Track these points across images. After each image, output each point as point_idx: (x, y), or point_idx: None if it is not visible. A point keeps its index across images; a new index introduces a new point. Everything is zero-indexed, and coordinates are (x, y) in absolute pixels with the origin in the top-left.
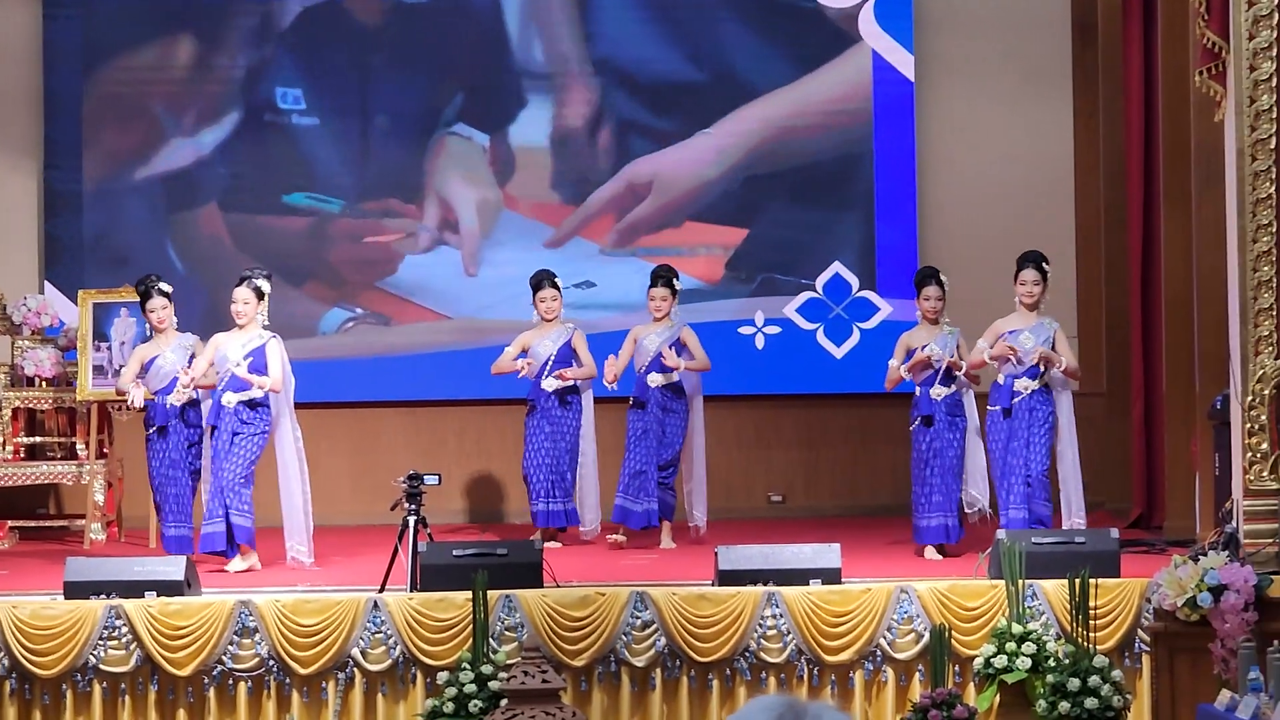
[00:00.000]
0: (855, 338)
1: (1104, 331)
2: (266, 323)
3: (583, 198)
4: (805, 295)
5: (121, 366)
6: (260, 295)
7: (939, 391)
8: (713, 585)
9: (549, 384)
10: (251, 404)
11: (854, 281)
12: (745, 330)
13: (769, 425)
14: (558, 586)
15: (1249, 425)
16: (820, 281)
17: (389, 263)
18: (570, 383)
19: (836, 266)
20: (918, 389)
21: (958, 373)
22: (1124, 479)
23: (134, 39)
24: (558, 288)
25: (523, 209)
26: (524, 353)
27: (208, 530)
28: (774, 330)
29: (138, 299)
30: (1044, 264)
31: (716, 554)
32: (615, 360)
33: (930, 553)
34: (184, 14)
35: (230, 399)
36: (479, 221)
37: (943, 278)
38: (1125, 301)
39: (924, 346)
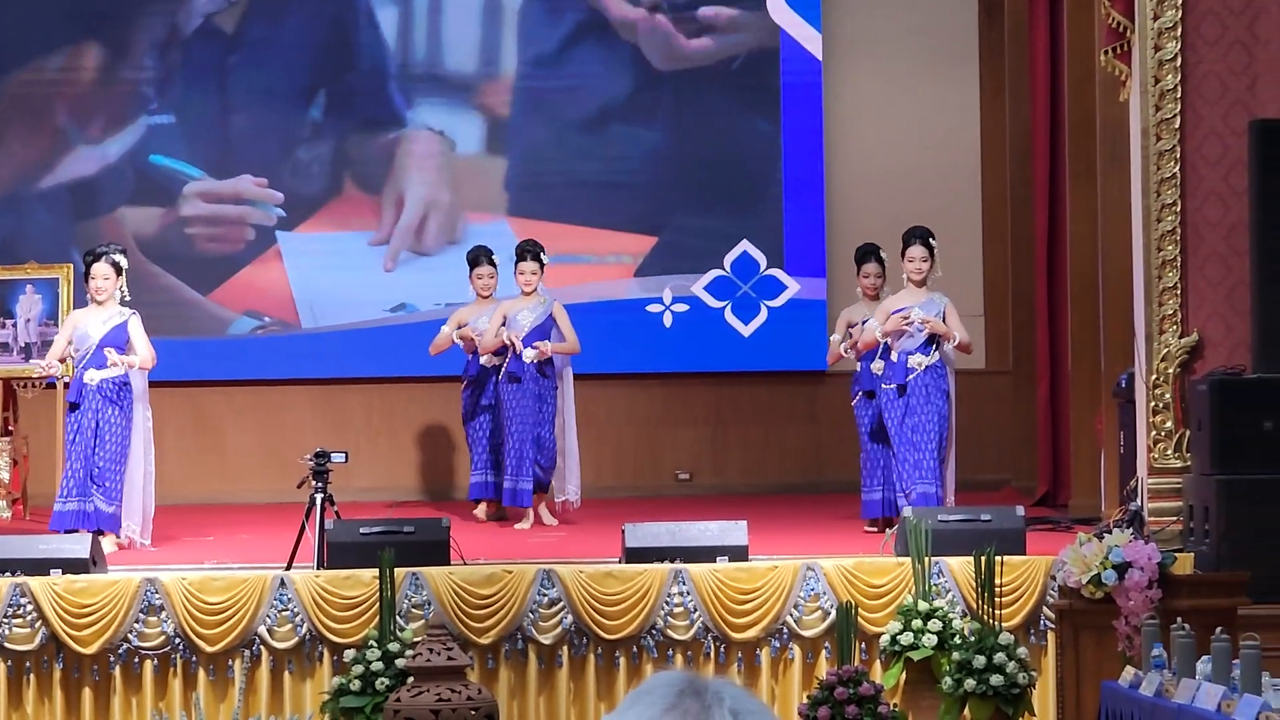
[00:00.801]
0: (763, 316)
1: (1010, 309)
2: (127, 298)
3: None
4: (713, 273)
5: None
6: (119, 270)
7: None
8: (620, 563)
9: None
10: (118, 382)
11: (761, 260)
12: (653, 308)
13: (677, 403)
14: (465, 564)
15: (1153, 403)
16: (728, 260)
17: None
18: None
19: (744, 245)
20: (860, 364)
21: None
22: (1029, 457)
23: (40, 46)
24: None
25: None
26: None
27: (64, 509)
28: (682, 308)
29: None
30: (930, 240)
31: (624, 532)
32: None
33: (870, 527)
34: (90, 21)
35: (93, 376)
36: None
37: (883, 254)
38: (1031, 279)
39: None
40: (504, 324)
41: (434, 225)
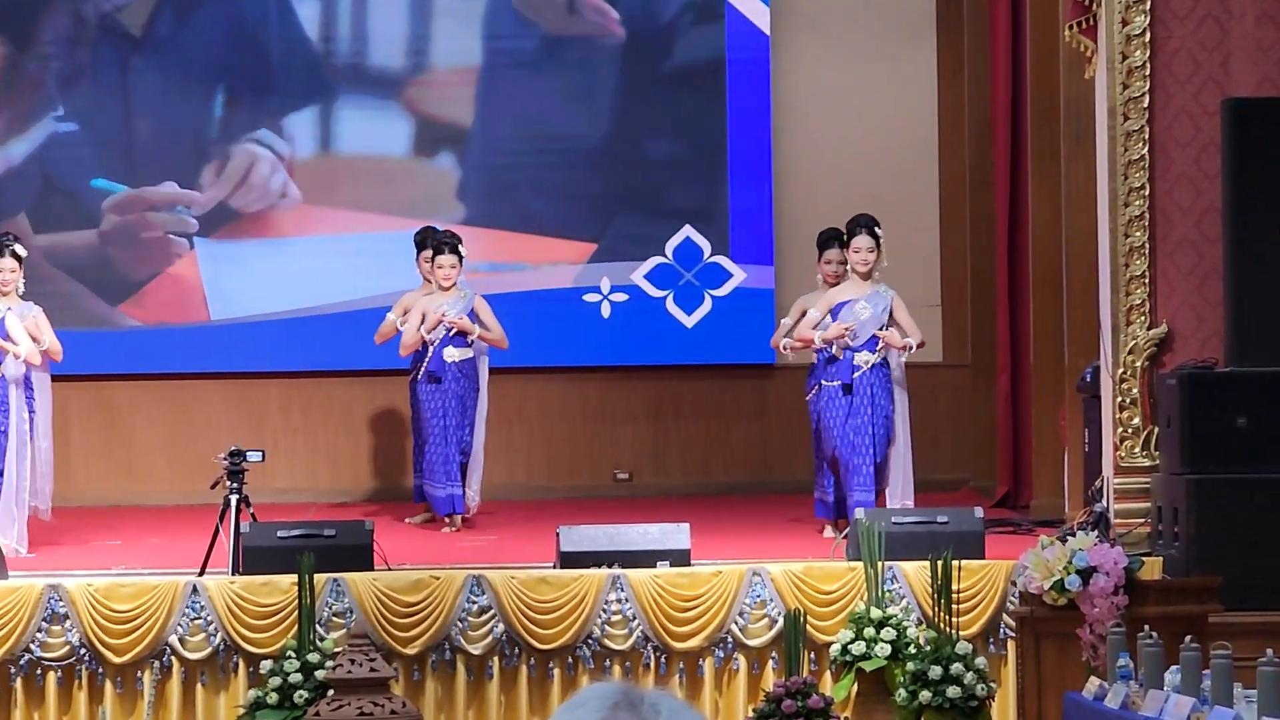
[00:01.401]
0: (707, 306)
1: (969, 298)
2: (23, 291)
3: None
4: (654, 261)
5: None
6: (20, 260)
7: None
8: (554, 568)
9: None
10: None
11: (705, 246)
12: (590, 298)
13: (615, 398)
14: (389, 570)
15: (1120, 399)
16: (670, 246)
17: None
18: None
19: (687, 230)
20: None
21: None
22: (989, 455)
23: None
24: (460, 254)
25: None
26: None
27: None
28: (621, 298)
29: None
30: (876, 229)
31: (558, 535)
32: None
33: (829, 530)
34: None
35: None
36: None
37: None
38: (991, 267)
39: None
40: (422, 322)
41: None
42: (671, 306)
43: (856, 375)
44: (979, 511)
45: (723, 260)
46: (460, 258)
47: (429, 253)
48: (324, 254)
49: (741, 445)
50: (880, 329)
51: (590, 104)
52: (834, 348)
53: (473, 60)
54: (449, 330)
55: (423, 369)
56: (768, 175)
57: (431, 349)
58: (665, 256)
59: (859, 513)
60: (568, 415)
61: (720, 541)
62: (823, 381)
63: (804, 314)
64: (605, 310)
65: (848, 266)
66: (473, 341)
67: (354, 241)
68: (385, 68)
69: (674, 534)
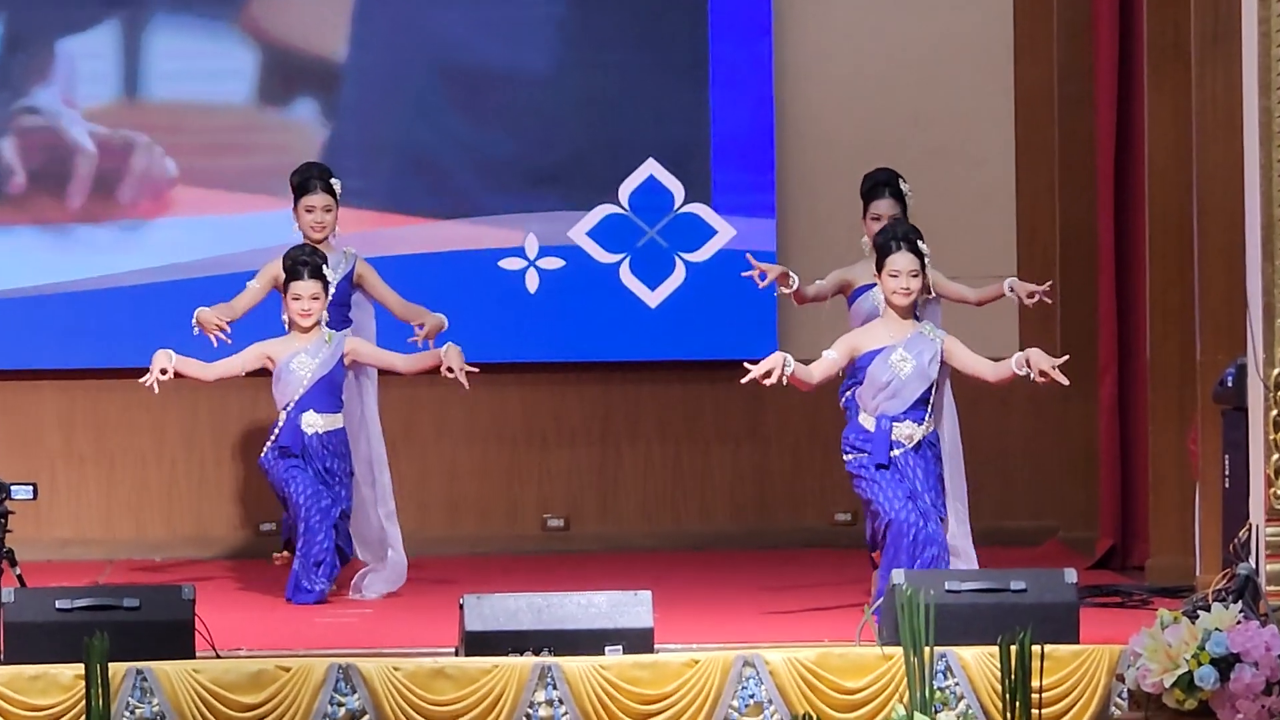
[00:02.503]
0: (679, 276)
1: (1057, 265)
2: None
3: None
4: (603, 211)
5: None
6: None
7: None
8: (456, 654)
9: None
10: None
11: (676, 190)
12: (509, 264)
13: (546, 411)
14: (218, 657)
15: (1276, 412)
16: (625, 191)
17: None
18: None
19: (650, 167)
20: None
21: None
22: (1086, 493)
23: None
24: (333, 192)
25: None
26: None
27: None
28: (554, 264)
29: None
30: (919, 243)
31: (462, 607)
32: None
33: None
34: None
35: None
36: None
37: (903, 185)
38: (1089, 224)
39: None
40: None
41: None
42: (627, 277)
43: (896, 453)
44: (1071, 574)
45: (701, 211)
46: (335, 199)
47: (309, 198)
48: (126, 244)
49: (728, 477)
50: (928, 393)
51: (516, 20)
52: (864, 398)
53: None
54: (306, 384)
55: (273, 439)
56: (768, 89)
57: (283, 414)
58: (619, 205)
59: (897, 575)
60: (476, 436)
61: (696, 617)
62: (852, 446)
63: (844, 288)
64: (531, 282)
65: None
66: (346, 399)
67: (168, 229)
68: None
69: (630, 606)
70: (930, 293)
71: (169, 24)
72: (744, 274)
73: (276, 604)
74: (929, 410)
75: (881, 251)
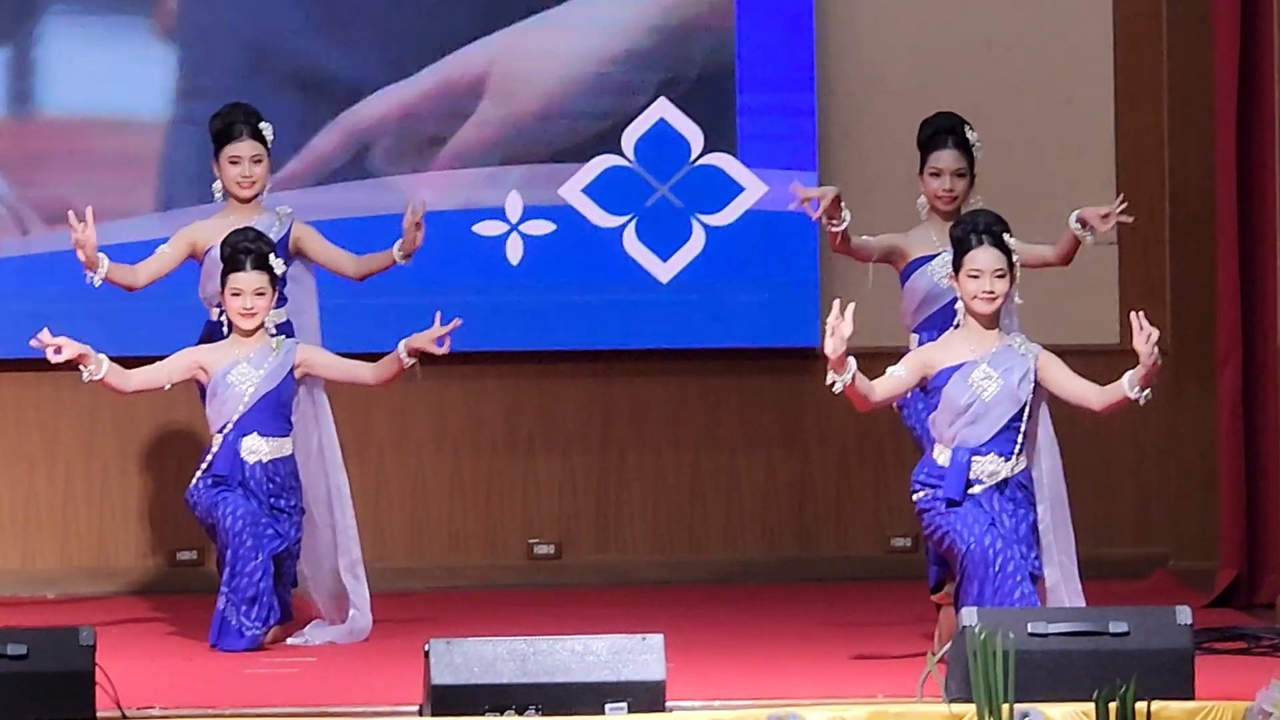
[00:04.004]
0: (697, 243)
1: (1167, 237)
2: None
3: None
4: (602, 162)
5: None
6: None
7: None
8: (420, 714)
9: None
10: None
11: (694, 138)
12: (486, 228)
13: (532, 411)
14: (124, 717)
15: None
16: (629, 138)
17: None
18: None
19: (660, 108)
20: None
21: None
22: (1204, 515)
23: None
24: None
25: None
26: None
27: None
28: (543, 228)
29: None
30: (1005, 237)
31: (427, 655)
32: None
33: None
34: None
35: None
36: None
37: (969, 132)
38: (1206, 184)
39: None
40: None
41: None
42: (633, 244)
43: (976, 490)
44: (1186, 613)
45: (724, 162)
46: (267, 148)
47: (233, 146)
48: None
49: (758, 493)
50: (1017, 419)
51: None
52: (939, 426)
53: None
54: (247, 402)
55: (204, 468)
56: (806, 12)
57: (219, 438)
58: (622, 156)
59: (968, 614)
60: (449, 444)
61: (719, 666)
62: (922, 484)
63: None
64: (513, 251)
65: (968, 179)
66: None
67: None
68: None
69: (636, 653)
70: (1015, 295)
71: (68, 25)
72: (790, 206)
73: (198, 651)
74: (1019, 442)
75: (959, 247)
